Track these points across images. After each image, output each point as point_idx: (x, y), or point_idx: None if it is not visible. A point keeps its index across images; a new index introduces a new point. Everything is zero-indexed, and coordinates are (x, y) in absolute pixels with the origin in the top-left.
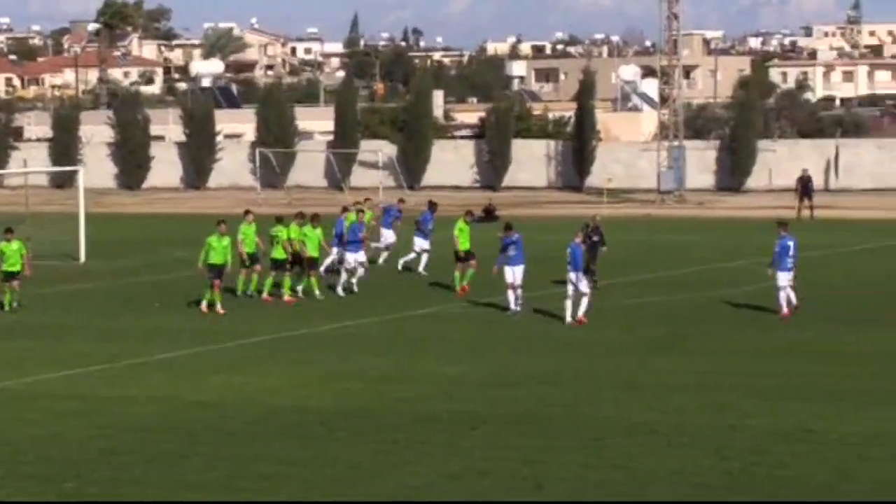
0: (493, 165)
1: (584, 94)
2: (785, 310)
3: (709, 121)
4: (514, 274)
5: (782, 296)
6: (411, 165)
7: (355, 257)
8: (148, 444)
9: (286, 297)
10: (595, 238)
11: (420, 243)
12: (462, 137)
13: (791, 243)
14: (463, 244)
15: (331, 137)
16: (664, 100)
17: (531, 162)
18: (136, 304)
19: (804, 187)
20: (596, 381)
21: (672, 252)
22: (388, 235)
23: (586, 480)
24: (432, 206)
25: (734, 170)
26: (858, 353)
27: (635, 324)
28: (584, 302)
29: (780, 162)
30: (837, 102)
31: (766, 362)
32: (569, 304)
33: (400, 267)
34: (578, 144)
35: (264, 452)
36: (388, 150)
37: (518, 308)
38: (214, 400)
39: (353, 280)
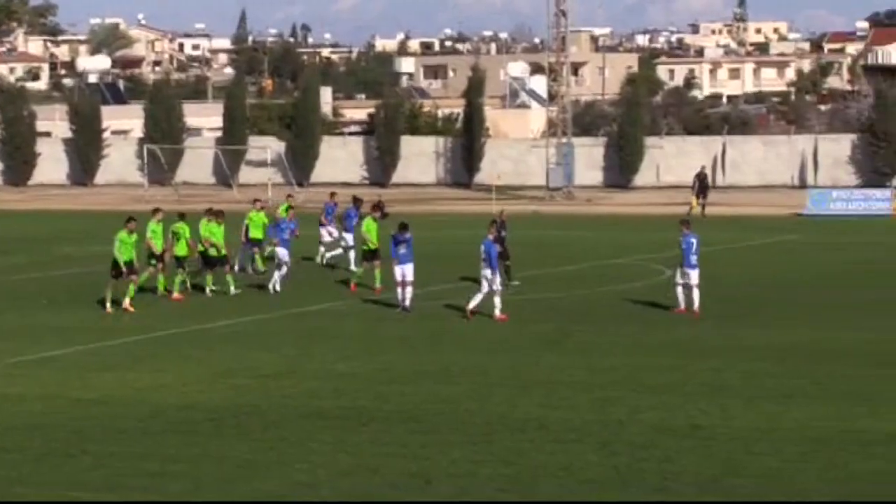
0: (382, 162)
1: (473, 91)
2: (682, 306)
3: (597, 118)
4: (404, 272)
5: (683, 292)
6: (300, 162)
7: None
8: (36, 443)
9: (175, 295)
10: (504, 233)
11: (349, 239)
12: (351, 134)
13: (694, 241)
14: (373, 242)
15: (219, 134)
16: (552, 97)
17: (420, 159)
18: (24, 301)
19: (701, 184)
20: (486, 378)
21: (561, 248)
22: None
23: (475, 477)
24: (357, 201)
25: (622, 167)
26: (746, 349)
27: (526, 320)
28: (498, 299)
29: (668, 159)
30: (724, 100)
31: (655, 358)
32: (479, 297)
33: (324, 261)
34: (467, 141)
35: (153, 450)
36: (277, 147)
37: (409, 305)
38: (104, 397)
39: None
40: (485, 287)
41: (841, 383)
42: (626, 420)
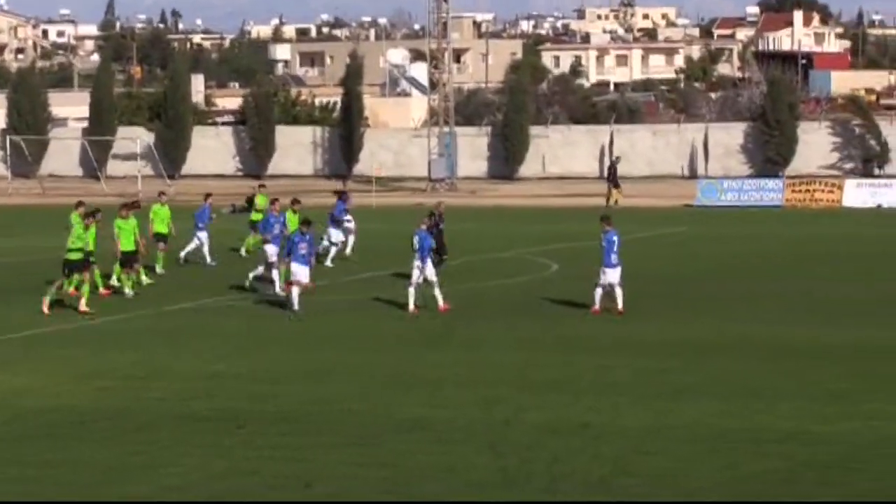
0: (256, 153)
1: (351, 79)
2: (597, 306)
3: (480, 106)
4: (305, 273)
5: (603, 291)
6: (170, 153)
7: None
8: None
9: (101, 290)
10: (441, 226)
11: (336, 235)
12: (224, 124)
13: (616, 238)
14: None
15: (86, 124)
16: (434, 85)
17: (297, 149)
18: None
19: (613, 174)
20: (368, 377)
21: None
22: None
23: (356, 479)
24: (344, 195)
25: (507, 157)
26: (637, 345)
27: (410, 316)
28: (436, 290)
29: (554, 149)
30: (611, 87)
31: (543, 354)
32: (412, 291)
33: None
34: (346, 131)
35: (16, 455)
36: (146, 138)
37: (300, 308)
38: None
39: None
40: (415, 277)
41: (734, 379)
42: (512, 419)
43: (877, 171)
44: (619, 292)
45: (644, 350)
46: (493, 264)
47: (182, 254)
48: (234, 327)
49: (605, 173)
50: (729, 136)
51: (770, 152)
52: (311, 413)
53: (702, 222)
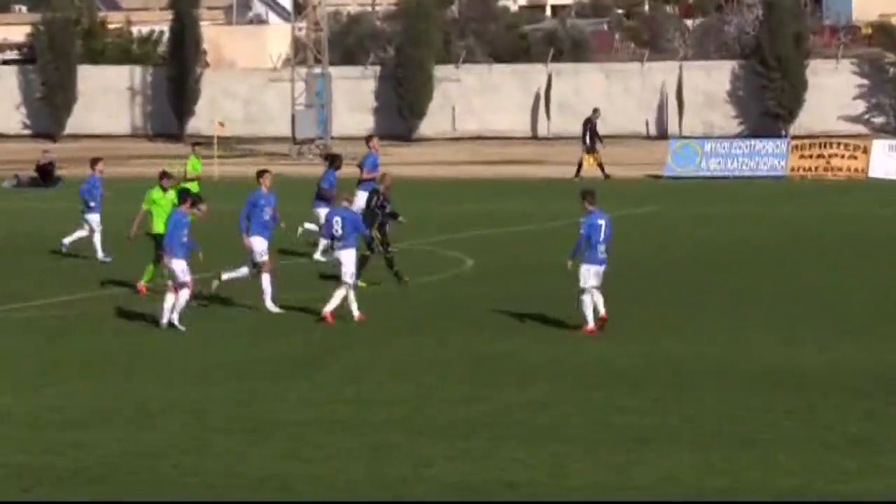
0: (48, 103)
1: (184, 0)
2: (591, 324)
3: (365, 38)
4: (183, 268)
5: (586, 300)
6: None
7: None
8: None
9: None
10: (388, 208)
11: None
12: (6, 63)
13: (603, 222)
14: (158, 226)
15: None
16: (300, 8)
17: (106, 98)
18: None
19: (592, 132)
20: (203, 419)
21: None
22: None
23: None
24: (336, 161)
25: (402, 109)
26: (584, 368)
27: (268, 332)
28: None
29: (468, 97)
30: (547, 11)
31: (451, 383)
32: (350, 294)
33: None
34: (176, 72)
35: None
36: None
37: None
38: None
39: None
40: (348, 273)
41: (719, 418)
42: (411, 477)
43: None
44: (586, 301)
45: (596, 377)
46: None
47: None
48: (22, 348)
49: (582, 132)
50: (711, 80)
51: (769, 102)
52: (125, 470)
53: (675, 199)
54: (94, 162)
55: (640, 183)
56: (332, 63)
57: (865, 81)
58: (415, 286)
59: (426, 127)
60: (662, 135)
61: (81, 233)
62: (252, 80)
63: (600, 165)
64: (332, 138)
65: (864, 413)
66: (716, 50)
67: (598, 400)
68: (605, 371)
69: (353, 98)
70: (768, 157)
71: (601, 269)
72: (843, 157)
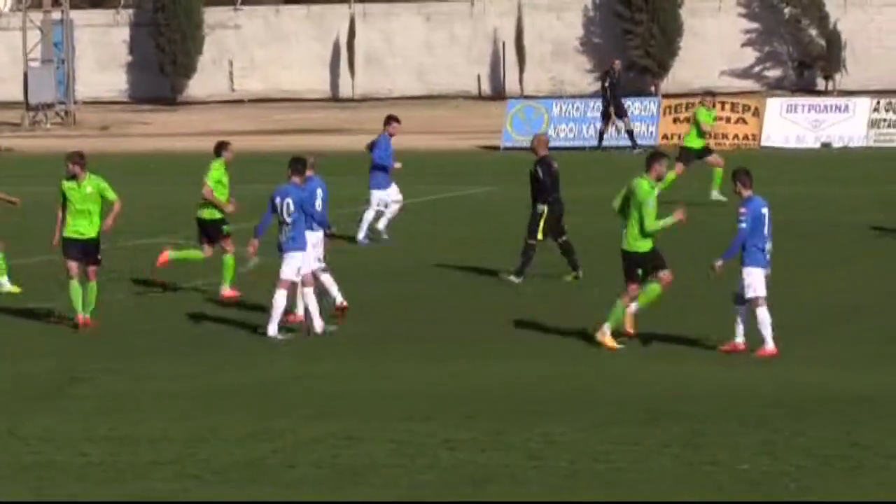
0: None
1: None
2: (770, 343)
3: None
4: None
5: (761, 316)
6: None
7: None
8: None
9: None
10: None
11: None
12: None
13: (767, 211)
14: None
15: None
16: None
17: None
18: None
19: (612, 87)
20: None
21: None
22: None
23: None
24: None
25: (164, 65)
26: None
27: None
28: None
29: (250, 49)
30: None
31: (235, 419)
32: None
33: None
34: None
35: None
36: None
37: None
38: None
39: None
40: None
41: (570, 457)
42: None
43: (822, 85)
44: (763, 316)
45: (417, 406)
46: (127, 259)
47: None
48: None
49: (603, 91)
50: (560, 25)
51: (634, 52)
52: None
53: (515, 177)
54: None
55: (471, 156)
56: (74, 6)
57: (756, 25)
58: (175, 298)
59: (196, 87)
60: (498, 95)
61: None
62: None
63: (629, 131)
64: (76, 102)
65: (759, 445)
66: None
67: (420, 433)
68: (429, 398)
69: (103, 51)
70: (634, 122)
71: (767, 272)
72: (729, 120)
